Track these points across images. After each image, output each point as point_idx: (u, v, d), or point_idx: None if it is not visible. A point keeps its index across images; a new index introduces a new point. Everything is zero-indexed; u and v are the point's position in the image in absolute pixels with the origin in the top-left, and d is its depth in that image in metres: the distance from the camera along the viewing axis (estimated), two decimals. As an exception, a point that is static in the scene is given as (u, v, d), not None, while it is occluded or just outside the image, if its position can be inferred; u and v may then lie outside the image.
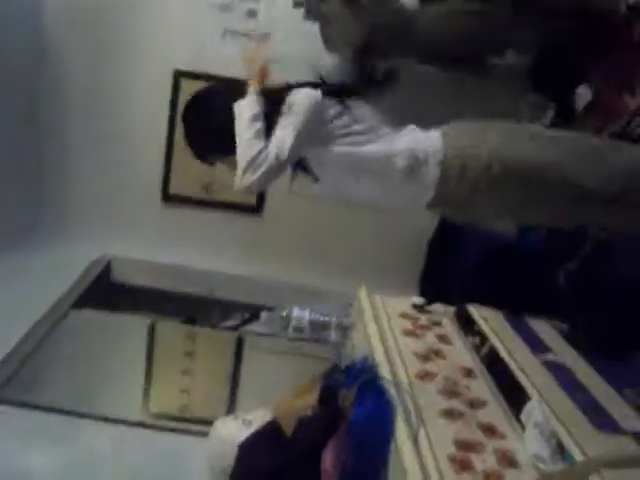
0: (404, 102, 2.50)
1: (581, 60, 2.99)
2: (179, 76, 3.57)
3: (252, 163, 1.91)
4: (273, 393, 2.10)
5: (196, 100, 2.18)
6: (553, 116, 3.12)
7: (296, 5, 3.19)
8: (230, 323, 3.44)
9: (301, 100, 1.99)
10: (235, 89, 2.12)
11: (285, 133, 1.95)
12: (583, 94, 2.93)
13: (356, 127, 2.04)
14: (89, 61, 3.60)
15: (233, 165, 2.15)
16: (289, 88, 2.11)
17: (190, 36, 3.55)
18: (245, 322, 3.41)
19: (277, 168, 1.94)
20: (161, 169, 3.72)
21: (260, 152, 1.92)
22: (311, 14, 3.20)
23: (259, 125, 1.97)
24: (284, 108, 2.00)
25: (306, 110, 1.97)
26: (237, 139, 1.98)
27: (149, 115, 3.65)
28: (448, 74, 3.37)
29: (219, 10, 3.53)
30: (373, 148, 2.00)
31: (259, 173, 1.91)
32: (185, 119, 2.18)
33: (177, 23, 3.55)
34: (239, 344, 3.29)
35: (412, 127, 2.12)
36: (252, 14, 3.55)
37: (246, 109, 2.00)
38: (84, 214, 3.74)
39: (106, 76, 3.62)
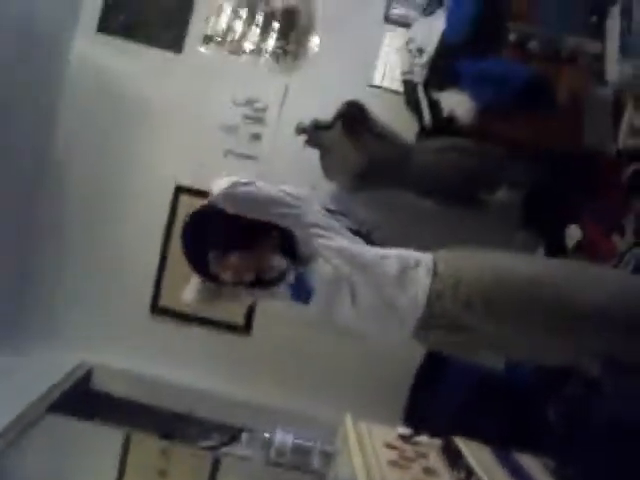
0: (396, 232, 2.54)
1: (571, 199, 3.09)
2: (179, 191, 3.66)
3: None
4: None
5: (194, 219, 2.19)
6: (544, 253, 3.19)
7: (299, 132, 3.32)
8: (208, 443, 3.35)
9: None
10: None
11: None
12: (573, 233, 3.01)
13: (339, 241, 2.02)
14: (92, 169, 3.73)
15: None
16: None
17: (193, 153, 3.68)
18: (224, 444, 3.33)
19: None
20: (152, 281, 3.73)
21: None
22: (312, 142, 3.33)
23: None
24: None
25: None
26: None
27: (146, 226, 3.72)
28: (441, 207, 3.46)
29: (224, 131, 3.67)
30: (367, 248, 1.98)
31: None
32: (183, 237, 2.18)
33: (182, 141, 3.70)
34: (215, 466, 3.20)
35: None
36: (256, 137, 3.68)
37: None
38: (70, 319, 3.73)
39: (107, 185, 3.73)
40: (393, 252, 1.99)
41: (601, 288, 1.92)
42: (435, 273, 1.89)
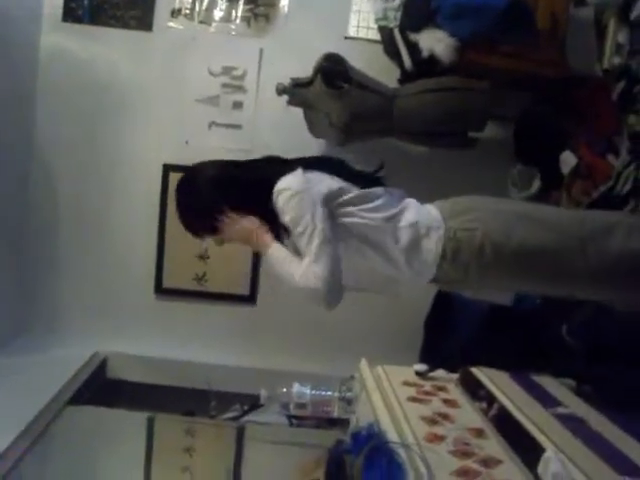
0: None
1: (562, 126, 3.06)
2: (168, 170, 3.62)
3: (310, 298, 1.91)
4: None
5: (188, 175, 2.19)
6: (540, 184, 3.16)
7: (279, 92, 3.28)
8: (230, 414, 3.35)
9: (288, 206, 1.94)
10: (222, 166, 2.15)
11: (310, 259, 1.89)
12: (567, 159, 2.97)
13: (350, 196, 2.02)
14: (78, 160, 3.69)
15: (220, 241, 2.17)
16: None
17: (177, 130, 3.64)
18: (245, 412, 3.33)
19: (327, 284, 1.87)
20: (153, 263, 3.72)
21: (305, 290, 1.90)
22: (294, 100, 3.29)
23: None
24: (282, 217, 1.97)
25: (301, 212, 1.92)
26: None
27: (139, 209, 3.70)
28: (432, 150, 3.43)
29: (205, 104, 3.63)
30: (375, 218, 1.99)
31: (323, 300, 1.90)
32: (176, 197, 2.18)
33: (164, 118, 3.66)
34: (240, 436, 3.19)
35: (411, 199, 2.12)
36: (238, 106, 3.64)
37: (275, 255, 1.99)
38: (77, 311, 3.72)
39: (95, 174, 3.70)
40: (407, 218, 1.99)
41: (595, 246, 1.95)
42: (443, 243, 1.95)
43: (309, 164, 2.08)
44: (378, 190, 2.08)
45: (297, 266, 1.91)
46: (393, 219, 2.00)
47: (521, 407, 1.86)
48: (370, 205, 2.01)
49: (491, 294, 2.54)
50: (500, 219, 2.00)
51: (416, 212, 2.04)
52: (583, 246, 1.94)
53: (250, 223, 2.03)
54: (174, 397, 3.49)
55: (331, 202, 1.97)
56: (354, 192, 2.03)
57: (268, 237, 2.01)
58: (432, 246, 1.97)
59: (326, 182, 2.02)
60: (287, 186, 1.95)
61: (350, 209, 2.00)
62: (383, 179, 2.20)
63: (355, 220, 1.99)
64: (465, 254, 1.95)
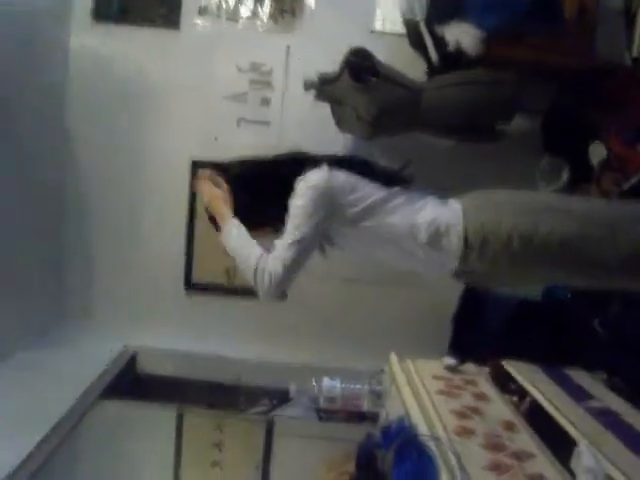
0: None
1: (591, 117, 3.02)
2: (197, 166, 3.64)
3: (257, 279, 1.92)
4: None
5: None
6: (569, 176, 3.12)
7: (307, 88, 3.28)
8: (259, 409, 3.37)
9: (304, 193, 1.97)
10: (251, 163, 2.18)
11: (287, 241, 1.92)
12: (597, 150, 2.94)
13: (373, 199, 2.04)
14: (108, 158, 3.72)
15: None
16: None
17: (206, 127, 3.66)
18: (274, 407, 3.34)
19: (286, 273, 1.91)
20: (183, 258, 3.74)
21: (256, 269, 1.92)
22: (322, 95, 3.29)
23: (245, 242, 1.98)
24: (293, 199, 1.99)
25: (311, 203, 1.95)
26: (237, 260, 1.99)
27: (169, 205, 3.72)
28: (460, 144, 3.41)
29: (233, 100, 3.64)
30: (394, 220, 2.00)
31: (268, 286, 1.92)
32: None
33: (193, 115, 3.67)
34: (269, 431, 3.20)
35: (431, 197, 2.13)
36: (265, 102, 3.65)
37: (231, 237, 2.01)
38: (108, 307, 3.76)
39: (125, 171, 3.73)
40: (424, 217, 2.00)
41: (623, 236, 1.94)
42: (465, 237, 1.95)
43: (334, 162, 2.09)
44: (396, 190, 2.09)
45: (256, 249, 1.93)
46: (411, 219, 2.01)
47: (553, 401, 1.86)
48: (387, 207, 2.02)
49: (520, 288, 2.54)
50: (527, 211, 1.99)
51: (434, 209, 2.04)
52: (612, 234, 1.92)
53: (220, 192, 2.07)
54: (203, 391, 3.51)
55: (349, 209, 1.99)
56: (372, 197, 2.04)
57: (228, 211, 2.04)
58: (452, 242, 1.97)
59: (347, 189, 2.02)
60: (312, 180, 1.98)
61: (368, 213, 2.01)
62: (409, 178, 2.20)
63: (374, 223, 2.01)
64: (493, 246, 1.94)
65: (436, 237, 1.98)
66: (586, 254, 1.93)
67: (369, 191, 2.05)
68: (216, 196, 2.07)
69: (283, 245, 1.91)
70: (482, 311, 3.04)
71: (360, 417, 2.71)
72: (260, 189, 2.09)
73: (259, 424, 3.26)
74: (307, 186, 1.97)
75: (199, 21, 3.63)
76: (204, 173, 2.15)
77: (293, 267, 1.91)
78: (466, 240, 1.96)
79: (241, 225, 2.01)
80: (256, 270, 1.91)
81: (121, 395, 3.29)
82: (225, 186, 2.09)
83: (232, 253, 2.00)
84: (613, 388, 2.00)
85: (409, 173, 2.21)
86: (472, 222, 1.97)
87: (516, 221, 1.95)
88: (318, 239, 1.99)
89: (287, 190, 2.02)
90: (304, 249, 1.92)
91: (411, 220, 2.01)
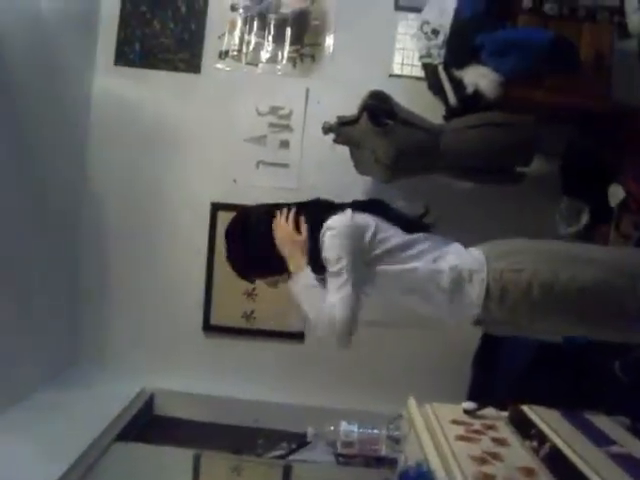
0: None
1: (609, 159, 3.02)
2: (217, 208, 3.67)
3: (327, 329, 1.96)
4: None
5: (237, 221, 2.23)
6: (589, 218, 3.11)
7: (325, 131, 3.31)
8: (277, 452, 3.33)
9: (333, 241, 2.01)
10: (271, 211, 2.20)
11: (335, 287, 1.96)
12: (616, 192, 2.93)
13: (397, 241, 2.05)
14: (128, 200, 3.77)
15: (273, 283, 2.22)
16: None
17: (225, 169, 3.70)
18: (292, 451, 3.30)
19: (345, 314, 1.94)
20: (202, 300, 3.75)
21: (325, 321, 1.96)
22: (340, 138, 3.32)
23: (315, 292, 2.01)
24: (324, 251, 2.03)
25: (341, 247, 1.99)
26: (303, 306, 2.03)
27: (188, 247, 3.75)
28: (479, 186, 3.42)
29: (253, 143, 3.69)
30: (417, 265, 2.01)
31: (335, 332, 1.96)
32: (227, 239, 2.22)
33: (212, 157, 3.73)
34: (286, 475, 3.17)
35: (455, 244, 2.13)
36: (284, 145, 3.69)
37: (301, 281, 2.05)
38: (126, 347, 3.77)
39: (145, 213, 3.77)
40: (447, 263, 2.02)
41: None
42: (487, 284, 1.97)
43: (357, 207, 2.11)
44: (420, 236, 2.10)
45: (319, 302, 1.97)
46: (434, 264, 2.01)
47: (573, 446, 1.82)
48: (410, 252, 2.03)
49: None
50: (547, 260, 1.99)
51: (457, 256, 2.05)
52: (634, 284, 1.91)
53: (301, 237, 2.08)
54: (221, 434, 3.48)
55: (372, 251, 2.00)
56: (395, 240, 2.05)
57: (304, 259, 2.05)
58: (475, 289, 1.98)
59: (371, 230, 2.05)
60: (335, 225, 2.01)
61: (392, 257, 2.03)
62: (430, 224, 2.21)
63: (397, 267, 2.02)
64: (512, 295, 1.95)
65: (458, 284, 1.99)
66: (607, 304, 1.92)
67: (392, 233, 2.07)
68: (296, 240, 2.08)
69: (331, 292, 1.95)
70: (502, 354, 3.01)
71: (378, 462, 2.67)
72: None
73: (277, 468, 3.23)
74: (333, 234, 2.00)
75: (220, 65, 3.70)
76: (288, 212, 2.15)
77: (349, 306, 1.93)
78: (487, 288, 1.95)
79: (312, 275, 2.04)
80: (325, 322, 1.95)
81: (138, 437, 3.28)
82: (305, 233, 2.10)
83: (300, 301, 2.04)
84: (636, 433, 1.95)
85: (431, 220, 2.22)
86: (492, 270, 1.97)
87: (536, 269, 1.95)
88: (360, 277, 1.99)
89: (310, 234, 2.07)
90: (352, 286, 1.94)
91: (434, 266, 2.01)
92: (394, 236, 2.06)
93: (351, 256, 1.97)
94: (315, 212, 2.14)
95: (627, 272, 1.94)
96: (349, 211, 2.06)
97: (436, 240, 2.12)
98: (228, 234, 2.22)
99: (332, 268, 1.97)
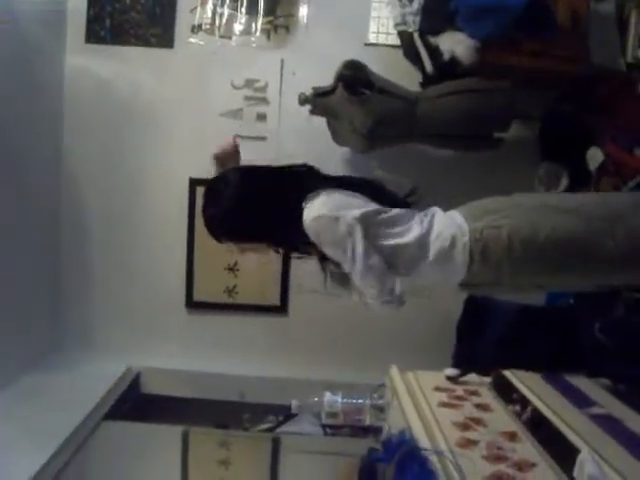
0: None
1: (587, 123, 3.01)
2: (195, 184, 3.64)
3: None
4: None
5: (213, 183, 2.18)
6: (568, 182, 3.11)
7: (302, 102, 3.28)
8: (265, 425, 3.34)
9: (323, 232, 1.96)
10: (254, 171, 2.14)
11: (357, 276, 1.95)
12: (594, 156, 2.93)
13: (383, 216, 2.03)
14: (105, 178, 3.73)
15: (244, 250, 2.18)
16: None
17: (202, 144, 3.65)
18: (280, 423, 3.32)
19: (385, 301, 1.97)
20: (184, 277, 3.74)
21: None
22: (317, 109, 3.29)
23: None
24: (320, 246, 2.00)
25: (332, 230, 1.94)
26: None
27: (168, 224, 3.73)
28: (457, 154, 3.41)
29: (229, 117, 3.65)
30: (407, 240, 1.99)
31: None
32: (205, 197, 2.16)
33: (189, 133, 3.69)
34: (275, 447, 3.19)
35: (435, 210, 2.11)
36: (261, 118, 3.66)
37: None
38: (110, 327, 3.75)
39: (124, 191, 3.74)
40: (433, 231, 1.99)
41: (623, 228, 1.92)
42: (470, 247, 1.94)
43: (341, 183, 2.07)
44: (406, 211, 2.07)
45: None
46: (423, 237, 1.99)
47: (555, 409, 1.83)
48: (400, 228, 2.00)
49: (523, 295, 2.52)
50: (526, 213, 1.98)
51: (440, 223, 2.03)
52: (611, 227, 1.91)
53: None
54: (208, 410, 3.48)
55: (363, 223, 1.97)
56: (385, 214, 2.02)
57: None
58: (459, 253, 1.96)
59: (356, 203, 2.01)
60: (319, 213, 1.95)
61: (381, 231, 1.99)
62: (415, 204, 2.18)
63: (387, 242, 1.98)
64: (494, 252, 1.93)
65: (444, 251, 1.96)
66: (588, 251, 1.91)
67: (377, 210, 2.03)
68: None
69: (356, 280, 1.95)
70: (485, 320, 3.02)
71: (365, 432, 2.69)
72: (263, 202, 2.03)
73: (265, 441, 3.24)
74: (322, 224, 1.94)
75: (193, 39, 3.63)
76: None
77: (380, 290, 1.94)
78: (470, 249, 1.95)
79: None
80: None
81: (125, 416, 3.27)
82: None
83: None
84: (617, 395, 1.97)
85: (416, 199, 2.20)
86: (472, 230, 1.96)
87: (516, 224, 1.94)
88: (368, 247, 1.96)
89: (291, 209, 1.98)
90: (373, 272, 1.93)
91: (422, 238, 1.99)
92: (379, 212, 2.03)
93: (350, 231, 1.92)
94: (302, 182, 2.07)
95: (605, 216, 1.94)
96: (323, 195, 1.98)
97: (419, 212, 2.10)
98: (207, 192, 2.17)
99: (340, 257, 1.96)
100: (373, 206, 2.02)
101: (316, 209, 1.95)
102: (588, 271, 1.97)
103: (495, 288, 2.12)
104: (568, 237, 1.91)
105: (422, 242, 1.97)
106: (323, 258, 2.03)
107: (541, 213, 1.98)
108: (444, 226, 2.00)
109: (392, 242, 1.97)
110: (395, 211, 2.03)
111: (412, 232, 1.99)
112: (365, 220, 1.95)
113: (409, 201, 2.17)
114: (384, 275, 1.94)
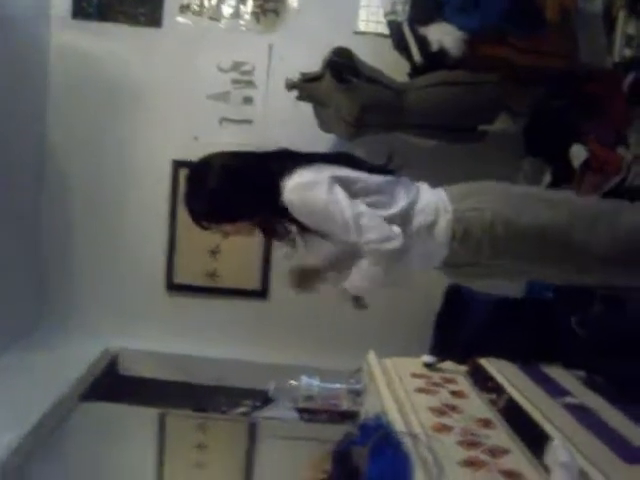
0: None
1: (572, 119, 3.03)
2: (178, 166, 3.63)
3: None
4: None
5: (195, 168, 2.19)
6: (551, 177, 3.13)
7: (289, 88, 3.27)
8: (242, 410, 3.34)
9: (298, 203, 1.95)
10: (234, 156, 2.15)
11: (352, 234, 1.92)
12: (578, 153, 2.95)
13: (362, 184, 2.03)
14: (89, 157, 3.70)
15: (227, 232, 2.17)
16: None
17: (187, 126, 3.65)
18: (256, 408, 3.32)
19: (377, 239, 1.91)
20: (164, 259, 3.73)
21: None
22: (304, 95, 3.28)
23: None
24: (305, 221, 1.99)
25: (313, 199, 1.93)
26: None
27: (150, 205, 3.71)
28: (443, 144, 3.41)
29: (215, 99, 3.63)
30: (393, 211, 1.99)
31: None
32: (185, 186, 2.17)
33: (174, 114, 3.66)
34: (251, 432, 3.19)
35: (422, 185, 2.12)
36: (248, 101, 3.65)
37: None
38: (89, 308, 3.73)
39: (106, 170, 3.70)
40: (419, 204, 2.00)
41: (606, 227, 1.95)
42: (453, 226, 1.95)
43: (318, 159, 2.08)
44: (390, 180, 2.07)
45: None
46: (406, 208, 1.99)
47: (529, 397, 1.86)
48: (384, 199, 2.01)
49: (501, 285, 2.53)
50: (510, 200, 2.00)
51: (426, 197, 2.03)
52: (593, 224, 1.93)
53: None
54: (185, 392, 3.48)
55: (340, 183, 1.96)
56: (365, 182, 2.02)
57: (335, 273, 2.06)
58: (442, 229, 1.97)
59: (335, 170, 2.02)
60: (296, 183, 1.95)
61: (363, 199, 1.98)
62: (393, 171, 2.19)
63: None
64: (476, 233, 1.94)
65: (428, 226, 1.98)
66: (567, 243, 1.94)
67: (358, 177, 2.03)
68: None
69: (350, 232, 1.91)
70: (464, 310, 3.04)
71: (342, 417, 2.70)
72: (246, 183, 2.04)
73: (242, 425, 3.24)
74: (297, 194, 1.94)
75: (181, 19, 3.62)
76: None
77: (373, 219, 1.92)
78: (453, 228, 1.96)
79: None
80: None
81: (102, 397, 3.25)
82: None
83: (374, 277, 1.98)
84: (591, 386, 2.00)
85: (393, 167, 2.20)
86: (455, 210, 1.97)
87: (499, 208, 1.96)
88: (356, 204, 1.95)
89: (271, 186, 1.99)
90: (372, 220, 1.91)
91: (407, 210, 1.99)
92: (359, 180, 2.03)
93: (333, 196, 1.92)
94: (281, 162, 2.08)
95: (587, 214, 1.96)
96: (300, 171, 1.98)
97: (404, 183, 2.10)
98: (189, 176, 2.18)
99: (332, 226, 1.94)
100: (348, 171, 2.02)
101: (294, 181, 1.95)
102: (566, 265, 2.00)
103: (475, 270, 2.10)
104: (550, 226, 1.93)
105: (405, 213, 1.97)
106: (304, 230, 2.02)
107: (526, 201, 2.00)
108: (429, 201, 2.01)
109: (378, 213, 1.96)
110: (374, 179, 2.04)
111: (398, 203, 1.99)
112: (343, 181, 1.96)
113: (388, 169, 2.18)
114: (376, 217, 1.92)
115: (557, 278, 2.22)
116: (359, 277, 1.97)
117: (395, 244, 1.89)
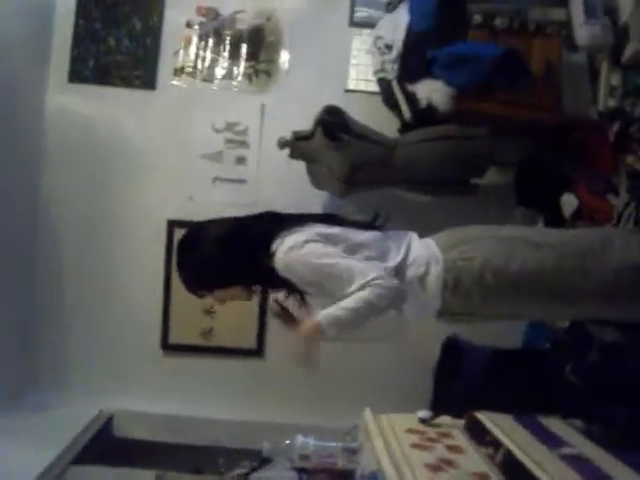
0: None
1: (561, 169, 3.07)
2: (173, 225, 3.65)
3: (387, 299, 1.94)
4: None
5: (186, 236, 2.22)
6: (543, 227, 3.15)
7: (281, 146, 3.32)
8: (239, 471, 3.28)
9: (293, 262, 1.98)
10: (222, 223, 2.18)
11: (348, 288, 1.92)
12: (568, 202, 2.97)
13: (352, 242, 2.04)
14: (83, 218, 3.72)
15: (223, 299, 2.21)
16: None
17: (182, 186, 3.68)
18: (254, 469, 3.26)
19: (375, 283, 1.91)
20: (159, 319, 3.71)
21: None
22: (296, 153, 3.32)
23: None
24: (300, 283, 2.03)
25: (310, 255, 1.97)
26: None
27: (145, 265, 3.72)
28: (435, 199, 3.44)
29: (209, 159, 3.68)
30: (389, 264, 2.00)
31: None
32: (177, 256, 2.20)
33: (168, 174, 3.71)
34: (248, 494, 3.12)
35: (411, 236, 2.13)
36: (241, 161, 3.69)
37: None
38: (83, 369, 3.70)
39: (101, 231, 3.73)
40: (410, 257, 2.02)
41: (595, 263, 1.95)
42: (444, 277, 1.97)
43: (305, 220, 2.11)
44: (378, 235, 2.09)
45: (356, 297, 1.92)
46: (401, 262, 2.00)
47: (526, 450, 1.83)
48: (373, 253, 2.02)
49: (498, 336, 2.51)
50: (498, 245, 2.01)
51: (416, 249, 2.04)
52: (583, 262, 1.94)
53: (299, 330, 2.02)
54: (182, 454, 3.42)
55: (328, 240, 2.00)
56: (352, 239, 2.04)
57: (310, 318, 2.00)
58: (433, 279, 1.98)
59: (323, 229, 2.04)
60: (288, 246, 1.98)
61: (354, 254, 2.01)
62: (380, 227, 2.21)
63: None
64: (466, 283, 1.96)
65: (421, 278, 1.99)
66: (558, 285, 1.95)
67: (345, 235, 2.05)
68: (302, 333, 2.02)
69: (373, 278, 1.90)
70: (462, 361, 3.01)
71: (342, 477, 2.66)
72: (234, 248, 2.09)
73: (238, 487, 3.17)
74: (296, 256, 1.97)
75: (175, 82, 3.70)
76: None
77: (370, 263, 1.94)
78: (444, 279, 1.96)
79: (326, 310, 1.97)
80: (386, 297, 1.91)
81: (97, 460, 3.20)
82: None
83: (352, 324, 1.95)
84: (588, 435, 1.97)
85: (382, 221, 2.22)
86: (445, 260, 1.99)
87: (487, 256, 1.97)
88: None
89: (259, 250, 2.03)
90: (365, 264, 1.94)
91: (399, 265, 2.00)
92: (352, 239, 2.05)
93: (324, 251, 1.96)
94: (267, 225, 2.12)
95: (577, 252, 1.97)
96: (286, 237, 2.02)
97: (394, 237, 2.11)
98: (179, 246, 2.20)
99: (329, 281, 1.94)
100: (336, 229, 2.07)
101: (285, 245, 1.99)
102: (557, 305, 2.00)
103: (467, 318, 2.12)
104: (539, 270, 1.94)
105: (400, 267, 1.99)
106: (293, 290, 2.07)
107: (514, 245, 2.01)
108: (420, 253, 2.02)
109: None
110: (361, 235, 2.07)
111: (393, 258, 2.01)
112: (330, 239, 2.00)
113: (376, 224, 2.20)
114: (373, 263, 1.96)
115: (548, 317, 2.22)
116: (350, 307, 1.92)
117: (396, 286, 1.92)
